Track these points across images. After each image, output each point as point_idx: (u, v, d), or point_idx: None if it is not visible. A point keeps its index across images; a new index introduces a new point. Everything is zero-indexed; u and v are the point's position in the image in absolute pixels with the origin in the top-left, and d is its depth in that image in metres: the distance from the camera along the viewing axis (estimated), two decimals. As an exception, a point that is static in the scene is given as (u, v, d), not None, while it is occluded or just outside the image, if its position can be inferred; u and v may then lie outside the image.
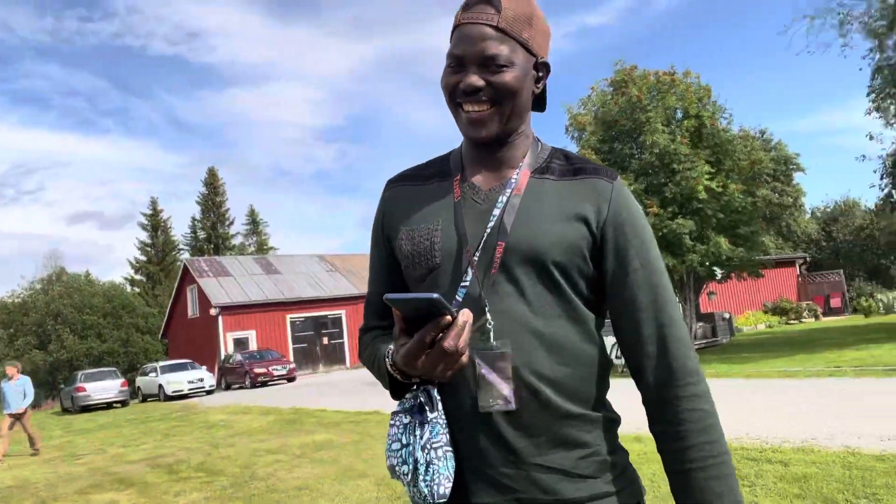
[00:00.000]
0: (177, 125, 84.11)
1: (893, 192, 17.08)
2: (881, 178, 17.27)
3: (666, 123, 15.31)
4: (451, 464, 1.01)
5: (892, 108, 16.05)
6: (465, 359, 0.95)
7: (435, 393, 1.04)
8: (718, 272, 16.51)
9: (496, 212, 1.08)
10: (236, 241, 51.62)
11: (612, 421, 1.10)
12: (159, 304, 41.15)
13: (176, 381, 23.23)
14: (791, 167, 18.68)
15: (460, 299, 1.06)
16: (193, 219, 51.00)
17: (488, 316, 1.03)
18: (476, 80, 1.06)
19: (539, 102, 1.20)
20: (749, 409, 7.95)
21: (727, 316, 20.82)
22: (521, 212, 1.08)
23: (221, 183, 51.85)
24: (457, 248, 1.08)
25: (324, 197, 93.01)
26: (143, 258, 48.54)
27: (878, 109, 16.36)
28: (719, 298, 26.41)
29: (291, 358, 28.67)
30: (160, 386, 23.44)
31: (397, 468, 1.03)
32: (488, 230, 1.07)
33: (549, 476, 1.02)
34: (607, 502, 1.04)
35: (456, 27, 1.09)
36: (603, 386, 1.10)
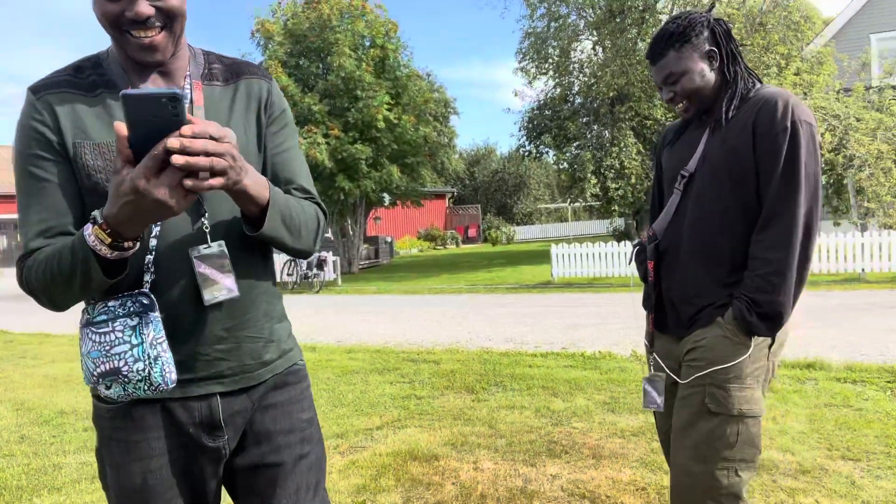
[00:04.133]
0: None
1: (526, 143, 20.59)
2: (519, 130, 20.61)
3: (353, 49, 15.58)
4: (171, 354, 1.13)
5: (532, 70, 19.11)
6: (211, 181, 0.95)
7: (152, 295, 1.13)
8: (387, 198, 17.87)
9: None
10: None
11: (281, 296, 1.37)
12: None
13: None
14: (449, 110, 20.83)
15: None
16: None
17: (205, 220, 1.16)
18: (146, 8, 1.07)
19: None
20: (406, 319, 9.00)
21: (389, 239, 22.79)
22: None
23: None
24: None
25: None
26: None
27: (522, 70, 19.32)
28: (381, 223, 28.68)
29: None
30: None
31: (125, 368, 1.09)
32: None
33: (255, 344, 1.24)
34: (291, 356, 1.34)
35: None
36: (273, 273, 1.36)
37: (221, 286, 1.16)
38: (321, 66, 15.99)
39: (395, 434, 3.98)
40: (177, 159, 0.88)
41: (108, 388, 1.11)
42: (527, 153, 20.92)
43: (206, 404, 1.20)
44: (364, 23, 15.88)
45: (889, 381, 4.52)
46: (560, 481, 3.13)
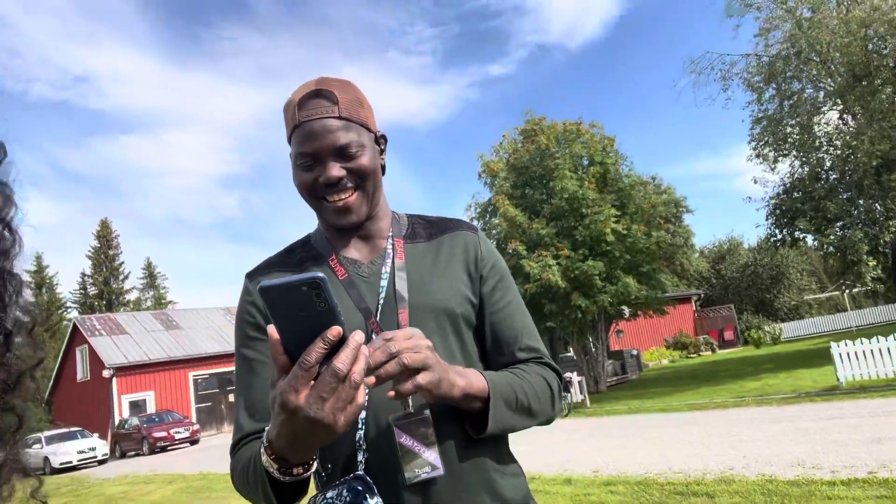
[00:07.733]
0: (63, 175, 78.32)
1: (776, 231, 18.63)
2: (766, 219, 18.83)
3: (573, 170, 16.05)
4: None
5: (771, 154, 17.67)
6: (361, 397, 0.77)
7: (367, 477, 0.98)
8: (626, 310, 17.21)
9: (383, 282, 1.12)
10: (131, 296, 48.74)
11: (520, 473, 1.15)
12: (42, 368, 37.56)
13: (64, 452, 21.05)
14: (680, 209, 19.87)
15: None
16: (83, 274, 47.66)
17: None
18: (337, 170, 1.08)
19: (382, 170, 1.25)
20: (666, 443, 8.18)
21: (635, 352, 21.63)
22: (411, 276, 1.13)
23: (115, 235, 48.90)
24: (363, 324, 1.09)
25: (227, 246, 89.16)
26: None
27: (758, 156, 17.96)
28: (625, 336, 27.48)
29: (194, 418, 26.87)
30: (45, 458, 21.12)
31: None
32: (381, 300, 1.10)
33: None
34: None
35: (296, 126, 1.10)
36: (507, 438, 1.16)
37: (423, 461, 1.00)
38: (545, 191, 16.64)
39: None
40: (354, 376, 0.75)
41: None
42: (779, 242, 18.85)
43: None
44: (580, 144, 16.39)
45: None
46: None
